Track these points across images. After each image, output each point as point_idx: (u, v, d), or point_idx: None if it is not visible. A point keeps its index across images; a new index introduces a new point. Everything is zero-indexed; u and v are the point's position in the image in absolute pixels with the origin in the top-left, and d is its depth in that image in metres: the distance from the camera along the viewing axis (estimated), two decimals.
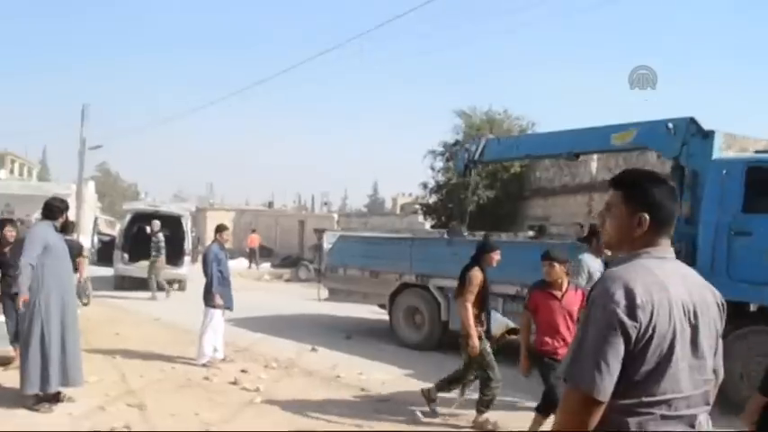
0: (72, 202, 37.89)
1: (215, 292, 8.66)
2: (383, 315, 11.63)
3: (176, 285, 18.15)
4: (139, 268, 16.88)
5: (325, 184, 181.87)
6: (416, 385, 7.90)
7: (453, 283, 9.25)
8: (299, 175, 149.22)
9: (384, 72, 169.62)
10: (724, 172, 7.43)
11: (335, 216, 36.39)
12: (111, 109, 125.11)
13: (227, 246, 10.39)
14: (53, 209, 6.51)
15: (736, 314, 6.46)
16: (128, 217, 18.50)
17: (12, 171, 53.15)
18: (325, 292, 12.54)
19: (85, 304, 13.09)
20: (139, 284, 16.16)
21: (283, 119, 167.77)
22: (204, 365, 8.50)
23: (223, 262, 8.87)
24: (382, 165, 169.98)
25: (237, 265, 24.26)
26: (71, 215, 7.42)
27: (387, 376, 8.43)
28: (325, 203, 75.60)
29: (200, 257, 13.21)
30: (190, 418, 6.23)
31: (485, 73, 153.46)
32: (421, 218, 25.10)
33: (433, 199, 23.80)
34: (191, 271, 17.95)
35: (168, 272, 17.39)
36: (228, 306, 8.90)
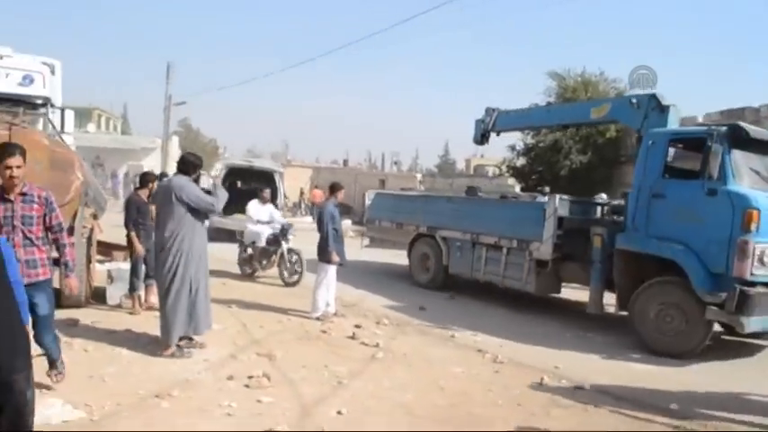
0: (157, 156, 38.70)
1: (331, 249, 8.73)
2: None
3: None
4: (234, 221, 17.20)
5: (395, 143, 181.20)
6: (535, 351, 7.82)
7: (452, 234, 11.81)
8: (370, 133, 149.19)
9: (465, 33, 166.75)
10: (650, 142, 8.47)
11: (419, 176, 36.22)
12: (192, 66, 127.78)
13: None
14: (190, 164, 6.66)
15: (655, 266, 8.10)
16: (223, 171, 18.89)
17: (99, 125, 55.04)
18: (366, 241, 14.68)
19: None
20: (233, 237, 16.52)
21: (356, 80, 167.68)
22: (318, 319, 8.62)
23: (337, 219, 8.91)
24: (453, 126, 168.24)
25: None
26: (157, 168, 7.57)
27: (501, 339, 8.34)
28: (396, 163, 75.51)
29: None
30: (320, 370, 6.32)
31: (574, 36, 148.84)
32: (511, 180, 24.64)
33: (521, 161, 23.30)
34: None
35: None
36: (342, 262, 8.97)
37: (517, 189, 23.15)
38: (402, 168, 68.81)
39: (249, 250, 11.98)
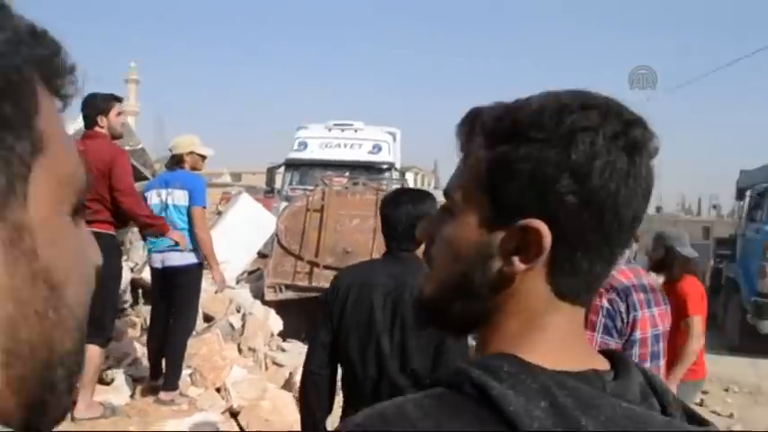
0: None
1: None
2: None
3: None
4: None
5: (713, 184, 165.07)
6: None
7: None
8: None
9: None
10: None
11: None
12: None
13: None
14: None
15: None
16: None
17: (415, 182, 59.91)
18: None
19: None
20: None
21: None
22: None
23: None
24: None
25: None
26: None
27: None
28: (714, 206, 68.66)
29: None
30: None
31: None
32: None
33: None
34: None
35: None
36: None
37: None
38: (722, 213, 62.52)
39: None
